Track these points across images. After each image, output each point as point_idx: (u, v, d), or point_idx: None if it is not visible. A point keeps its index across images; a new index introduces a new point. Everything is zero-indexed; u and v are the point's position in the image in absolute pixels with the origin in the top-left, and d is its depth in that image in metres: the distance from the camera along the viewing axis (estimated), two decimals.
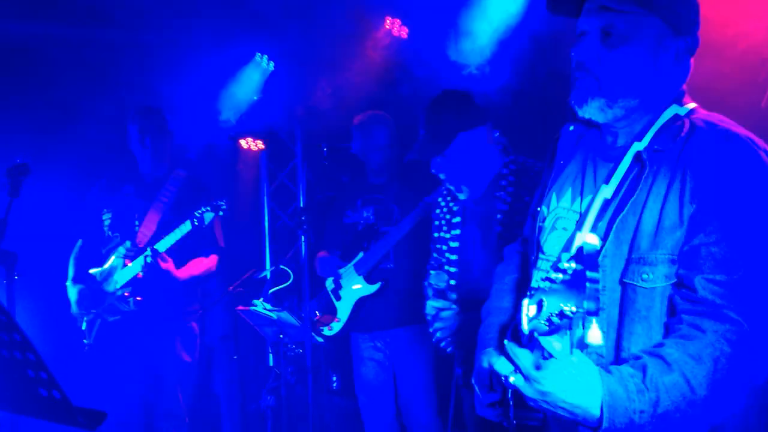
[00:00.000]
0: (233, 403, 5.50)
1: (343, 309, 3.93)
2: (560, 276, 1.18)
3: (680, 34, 1.59)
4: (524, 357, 1.31)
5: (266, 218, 5.99)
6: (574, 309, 1.14)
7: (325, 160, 5.52)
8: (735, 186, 1.45)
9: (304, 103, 5.23)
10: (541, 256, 1.77)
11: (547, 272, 1.69)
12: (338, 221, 4.05)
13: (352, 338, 4.06)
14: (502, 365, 1.38)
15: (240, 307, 4.26)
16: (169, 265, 3.69)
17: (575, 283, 1.14)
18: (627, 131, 1.66)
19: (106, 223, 3.93)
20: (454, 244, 2.86)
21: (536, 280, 1.78)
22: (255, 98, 5.52)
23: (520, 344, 1.41)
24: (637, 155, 1.59)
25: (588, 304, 1.13)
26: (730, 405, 1.39)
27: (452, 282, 2.85)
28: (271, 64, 5.37)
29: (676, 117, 1.61)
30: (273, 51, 5.35)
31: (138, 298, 3.77)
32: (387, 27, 4.73)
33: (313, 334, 3.94)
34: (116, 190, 3.97)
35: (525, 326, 1.27)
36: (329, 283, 4.02)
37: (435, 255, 3.02)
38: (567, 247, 1.67)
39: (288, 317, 3.99)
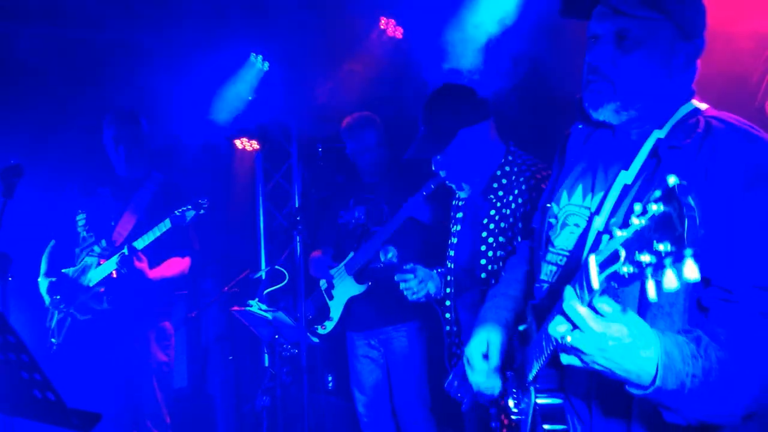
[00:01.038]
0: (228, 403, 5.50)
1: (336, 308, 3.96)
2: (642, 221, 1.11)
3: (690, 39, 1.62)
4: (588, 314, 1.27)
5: (261, 218, 5.98)
6: (668, 247, 1.08)
7: (320, 160, 5.53)
8: (761, 181, 1.45)
9: (299, 103, 5.23)
10: (551, 249, 1.79)
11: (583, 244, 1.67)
12: (332, 221, 4.06)
13: (348, 337, 4.07)
14: (557, 325, 1.34)
15: (235, 308, 4.26)
16: (143, 264, 3.67)
17: (663, 223, 1.08)
18: (639, 131, 1.67)
19: (81, 223, 3.91)
20: (453, 240, 2.81)
21: (545, 273, 1.80)
22: (250, 98, 5.51)
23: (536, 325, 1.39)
24: (654, 150, 1.59)
25: (687, 239, 1.06)
26: (765, 396, 1.39)
27: (449, 278, 2.81)
28: (266, 64, 5.37)
29: (695, 112, 1.63)
30: (268, 51, 5.35)
31: (111, 297, 3.77)
32: (382, 27, 4.72)
33: (308, 334, 3.94)
34: (91, 191, 3.96)
35: (595, 281, 1.21)
36: (323, 283, 4.04)
37: None
38: (582, 243, 1.67)
39: (283, 317, 4.00)
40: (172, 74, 4.69)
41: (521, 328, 1.85)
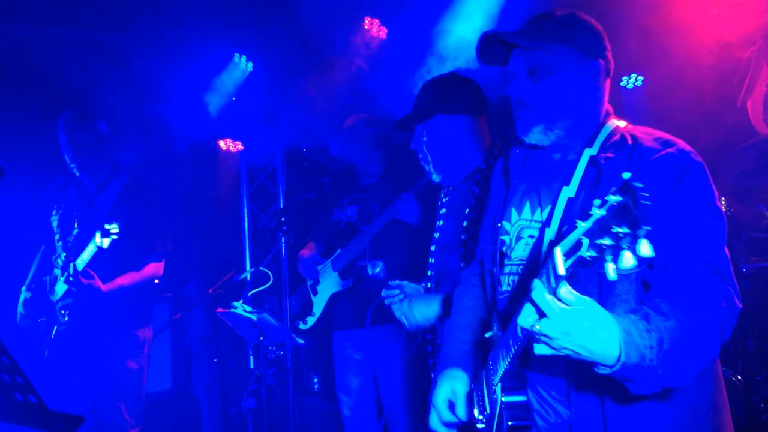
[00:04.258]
0: (214, 406, 5.47)
1: (318, 304, 3.97)
2: (601, 212, 1.27)
3: (592, 58, 1.88)
4: (554, 300, 1.42)
5: (246, 220, 5.96)
6: (625, 230, 1.23)
7: (304, 161, 5.52)
8: (685, 177, 1.70)
9: (283, 104, 5.22)
10: (507, 262, 1.97)
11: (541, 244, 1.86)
12: (326, 218, 4.09)
13: (333, 337, 4.06)
14: (526, 316, 1.47)
15: (220, 310, 4.24)
16: (93, 281, 3.51)
17: (621, 211, 1.24)
18: (570, 147, 1.91)
19: (54, 224, 3.81)
20: (436, 235, 2.88)
21: (506, 284, 1.95)
22: (234, 99, 5.49)
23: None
24: (592, 159, 1.82)
25: (640, 220, 1.22)
26: (711, 352, 1.58)
27: (429, 273, 2.87)
28: (250, 64, 5.35)
29: (617, 129, 1.88)
30: (252, 52, 5.33)
31: (69, 311, 3.66)
32: (366, 27, 4.72)
33: (293, 335, 3.93)
34: (63, 191, 3.86)
35: (561, 268, 1.35)
36: (309, 279, 4.04)
37: None
38: (537, 251, 1.85)
39: (268, 319, 3.98)
40: (153, 76, 4.65)
41: (488, 335, 1.98)
